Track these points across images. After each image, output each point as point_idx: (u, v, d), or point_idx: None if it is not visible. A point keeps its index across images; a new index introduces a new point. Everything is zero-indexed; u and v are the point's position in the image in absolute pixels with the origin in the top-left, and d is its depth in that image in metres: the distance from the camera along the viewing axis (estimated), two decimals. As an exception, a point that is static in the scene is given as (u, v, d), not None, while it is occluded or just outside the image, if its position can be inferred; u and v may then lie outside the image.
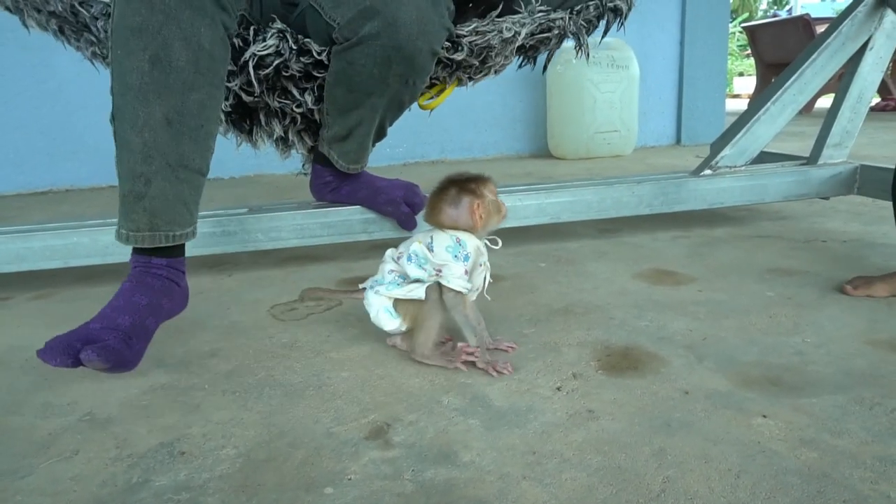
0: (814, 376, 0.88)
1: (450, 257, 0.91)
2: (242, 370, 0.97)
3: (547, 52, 1.36)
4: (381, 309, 0.95)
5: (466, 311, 0.93)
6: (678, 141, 3.77)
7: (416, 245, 0.93)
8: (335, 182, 1.37)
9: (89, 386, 0.94)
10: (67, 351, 0.85)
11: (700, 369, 0.91)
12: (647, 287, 1.27)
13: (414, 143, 3.37)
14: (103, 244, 1.32)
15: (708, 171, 1.58)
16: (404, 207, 1.36)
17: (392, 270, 0.96)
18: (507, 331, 1.08)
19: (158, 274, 0.98)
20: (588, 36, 1.35)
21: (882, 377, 0.87)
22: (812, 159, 1.65)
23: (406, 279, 0.94)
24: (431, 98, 1.37)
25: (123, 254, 1.32)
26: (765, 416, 0.78)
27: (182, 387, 0.92)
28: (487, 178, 0.95)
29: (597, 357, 0.96)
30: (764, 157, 1.73)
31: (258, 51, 1.14)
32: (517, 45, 1.26)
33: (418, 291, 0.92)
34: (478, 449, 0.74)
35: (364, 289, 0.98)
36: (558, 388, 0.87)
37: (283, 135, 1.32)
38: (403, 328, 0.96)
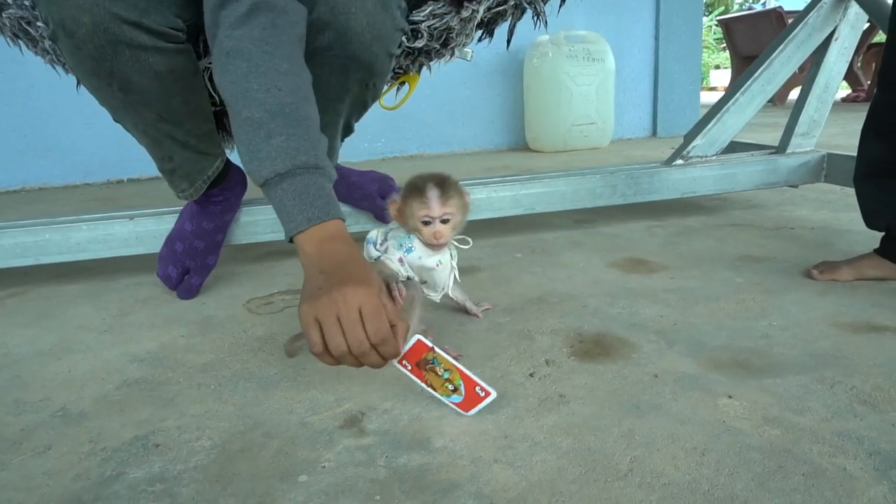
0: (779, 358, 0.91)
1: (395, 244, 0.94)
2: (217, 364, 0.97)
3: (509, 27, 1.32)
4: None
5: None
6: (654, 133, 3.81)
7: (372, 232, 0.97)
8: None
9: (62, 382, 0.93)
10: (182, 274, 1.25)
11: (670, 354, 0.93)
12: (620, 276, 1.29)
13: (392, 137, 3.37)
14: (75, 241, 1.30)
15: (680, 161, 1.60)
16: (379, 201, 1.37)
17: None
18: (483, 320, 1.09)
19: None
20: (545, 4, 1.31)
21: (844, 357, 0.90)
22: (781, 148, 1.68)
23: None
24: (396, 95, 1.36)
25: (95, 251, 1.31)
26: (730, 397, 0.80)
27: (156, 381, 0.92)
28: (426, 190, 0.91)
29: (569, 344, 0.98)
30: (734, 147, 1.76)
31: (208, 63, 1.13)
32: (476, 22, 1.24)
33: None
34: (451, 435, 0.75)
35: None
36: (531, 375, 0.89)
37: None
38: None
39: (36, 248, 1.30)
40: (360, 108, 1.21)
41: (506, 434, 0.74)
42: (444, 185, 0.91)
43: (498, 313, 1.12)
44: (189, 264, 1.27)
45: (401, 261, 0.93)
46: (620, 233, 1.61)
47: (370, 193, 1.38)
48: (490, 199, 1.48)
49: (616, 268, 1.34)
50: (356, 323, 0.69)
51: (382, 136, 3.36)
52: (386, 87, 1.29)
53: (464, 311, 1.10)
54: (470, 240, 0.98)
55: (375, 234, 0.96)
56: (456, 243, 0.98)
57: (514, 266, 1.39)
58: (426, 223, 0.91)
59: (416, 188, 0.92)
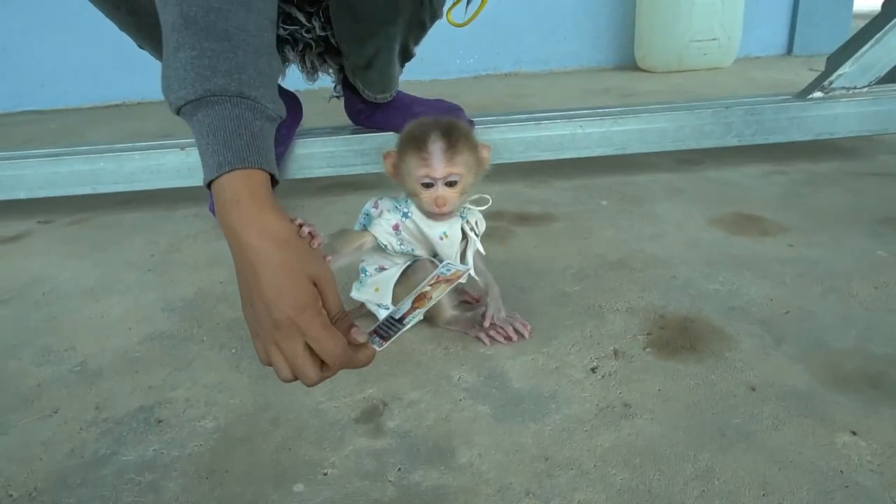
0: (928, 376, 0.69)
1: (391, 206, 0.76)
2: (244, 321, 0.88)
3: None
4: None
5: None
6: (789, 51, 3.28)
7: (367, 203, 0.80)
8: (367, 109, 1.23)
9: (91, 329, 0.89)
10: None
11: (776, 356, 0.74)
12: (724, 237, 1.07)
13: (486, 54, 3.12)
14: (129, 171, 1.25)
15: (818, 94, 1.30)
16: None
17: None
18: (548, 287, 0.93)
19: None
20: None
21: None
22: (959, 79, 1.32)
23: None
24: (467, 9, 1.16)
25: (148, 181, 1.26)
26: (854, 433, 0.61)
27: (180, 337, 0.85)
28: (427, 144, 0.71)
29: (647, 329, 0.81)
30: (894, 75, 1.41)
31: None
32: None
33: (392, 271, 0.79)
34: (480, 446, 0.62)
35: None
36: (593, 370, 0.73)
37: (298, 62, 1.17)
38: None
39: (93, 177, 1.27)
40: (418, 28, 1.03)
41: (547, 455, 0.60)
42: (452, 135, 0.71)
43: (567, 279, 0.95)
44: None
45: (396, 228, 0.75)
46: (731, 179, 1.35)
47: (435, 126, 1.22)
48: (574, 136, 1.27)
49: (720, 226, 1.12)
50: (304, 361, 0.53)
51: (475, 52, 3.11)
52: (452, 1, 1.10)
53: (476, 328, 0.80)
54: (489, 197, 0.78)
55: (370, 202, 0.79)
56: (473, 206, 0.78)
57: (597, 216, 1.19)
58: (427, 185, 0.72)
59: (414, 139, 0.72)
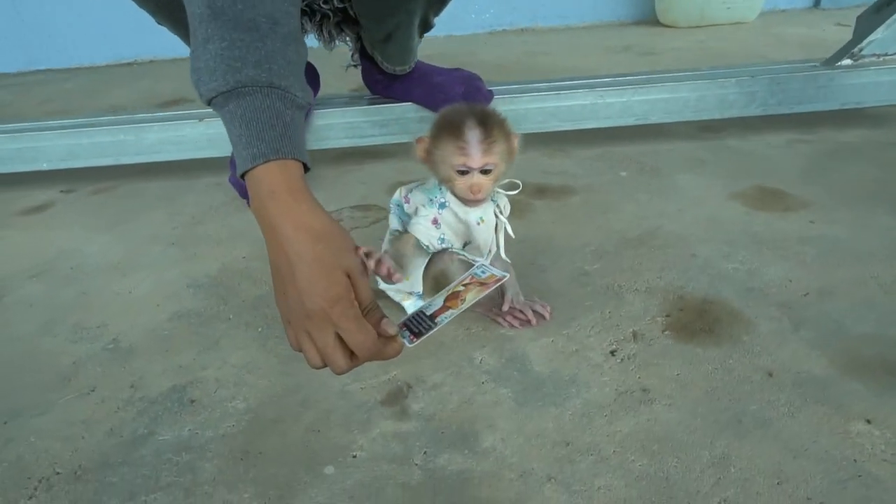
0: (946, 363, 0.70)
1: (425, 200, 0.75)
2: (269, 298, 0.90)
3: None
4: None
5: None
6: (817, 3, 3.16)
7: (396, 193, 0.79)
8: (386, 80, 1.22)
9: (121, 306, 0.92)
10: None
11: (794, 340, 0.75)
12: (745, 213, 1.06)
13: (501, 9, 3.03)
14: (149, 142, 1.26)
15: (847, 62, 1.26)
16: (465, 107, 1.19)
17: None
18: (567, 266, 0.94)
19: None
20: None
21: None
22: None
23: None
24: None
25: (168, 152, 1.27)
26: (868, 422, 0.62)
27: (207, 315, 0.88)
28: (464, 130, 0.70)
29: (666, 311, 0.81)
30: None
31: None
32: None
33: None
34: (503, 431, 0.64)
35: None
36: (612, 353, 0.75)
37: (315, 31, 1.15)
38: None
39: (114, 148, 1.28)
40: (439, 2, 1.01)
41: (568, 440, 0.62)
42: (488, 123, 0.70)
43: (586, 257, 0.96)
44: None
45: (435, 221, 0.75)
46: (754, 148, 1.33)
47: (454, 97, 1.21)
48: (595, 106, 1.25)
49: (741, 200, 1.11)
50: (334, 351, 0.55)
51: (491, 6, 3.03)
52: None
53: (495, 310, 0.82)
54: (519, 183, 0.78)
55: (399, 193, 0.79)
56: (501, 190, 0.78)
57: (616, 189, 1.19)
58: (462, 173, 0.72)
59: (451, 126, 0.71)
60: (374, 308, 0.58)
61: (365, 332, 0.55)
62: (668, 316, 0.80)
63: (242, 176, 0.57)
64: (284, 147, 0.56)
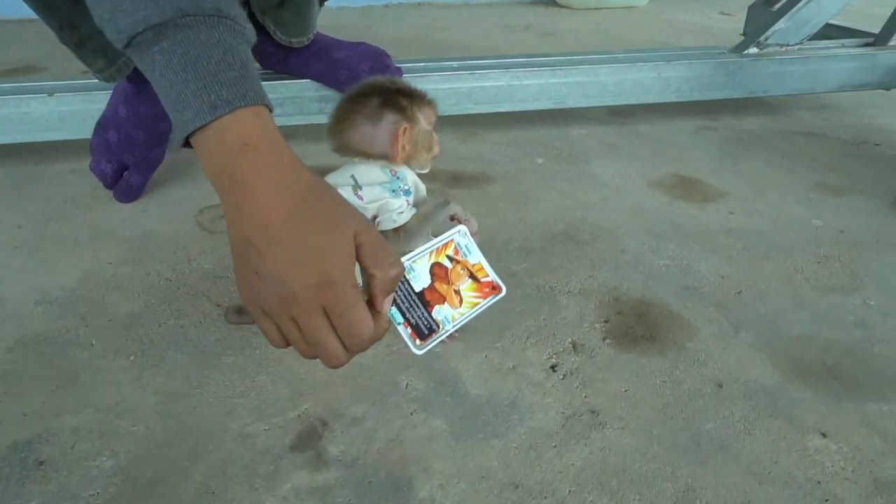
0: (882, 365, 0.68)
1: (386, 194, 0.64)
2: (146, 316, 0.74)
3: None
4: None
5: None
6: (702, -9, 3.29)
7: (342, 193, 0.67)
8: (280, 53, 1.06)
9: (-58, 333, 0.72)
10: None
11: (736, 345, 0.71)
12: (666, 203, 1.03)
13: (397, -20, 2.88)
14: None
15: (754, 50, 1.27)
16: (371, 86, 1.06)
17: None
18: (492, 265, 0.85)
19: None
20: None
21: (969, 368, 0.68)
22: (881, 39, 1.33)
23: None
24: None
25: (10, 133, 1.04)
26: (824, 435, 0.59)
27: (62, 340, 0.70)
28: (428, 98, 0.66)
29: (603, 315, 0.75)
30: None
31: None
32: None
33: None
34: (441, 474, 0.55)
35: None
36: (553, 368, 0.67)
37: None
38: None
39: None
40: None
41: (517, 480, 0.54)
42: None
43: (511, 255, 0.88)
44: (127, 159, 1.00)
45: (407, 204, 0.65)
46: (665, 136, 1.31)
47: (359, 74, 1.07)
48: (511, 87, 1.17)
49: (661, 189, 1.08)
50: (321, 332, 0.43)
51: (386, -23, 2.87)
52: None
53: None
54: (429, 165, 0.70)
55: (352, 191, 0.66)
56: None
57: (534, 177, 1.12)
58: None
59: (418, 96, 0.65)
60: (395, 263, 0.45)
61: (365, 319, 0.43)
62: (606, 321, 0.74)
63: (189, 137, 0.44)
64: (251, 90, 0.43)
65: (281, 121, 1.13)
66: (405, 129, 0.62)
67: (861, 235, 0.94)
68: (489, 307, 0.54)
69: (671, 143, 1.28)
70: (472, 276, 0.54)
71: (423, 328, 0.50)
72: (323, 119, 1.12)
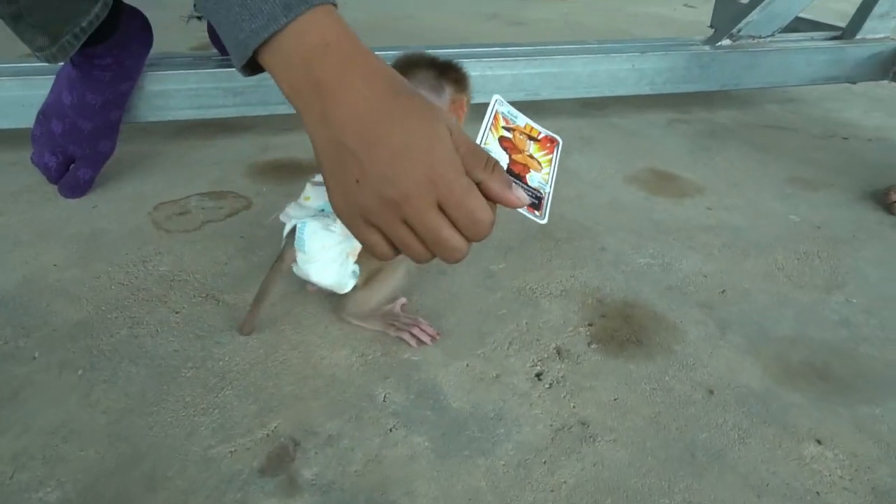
0: (868, 365, 0.67)
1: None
2: (96, 324, 0.68)
3: None
4: (333, 265, 0.64)
5: None
6: (666, -17, 3.30)
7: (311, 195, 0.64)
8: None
9: None
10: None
11: (724, 347, 0.69)
12: (644, 199, 1.01)
13: (360, -35, 2.80)
14: None
15: (727, 42, 1.25)
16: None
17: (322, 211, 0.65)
18: (470, 266, 0.81)
19: None
20: None
21: (953, 368, 0.67)
22: (848, 32, 1.34)
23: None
24: None
25: None
26: (819, 442, 0.57)
27: (0, 351, 0.64)
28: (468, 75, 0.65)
29: (587, 319, 0.72)
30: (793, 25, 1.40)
31: None
32: None
33: None
34: (426, 498, 0.51)
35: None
36: (538, 377, 0.64)
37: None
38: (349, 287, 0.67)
39: None
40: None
41: (506, 502, 0.50)
42: None
43: (489, 254, 0.84)
44: (73, 151, 0.92)
45: None
46: (638, 128, 1.29)
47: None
48: (484, 78, 1.13)
49: (637, 184, 1.06)
50: (442, 227, 0.40)
51: (348, -38, 2.79)
52: None
53: (393, 321, 0.71)
54: None
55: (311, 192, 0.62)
56: None
57: (509, 172, 1.08)
58: None
59: (458, 70, 0.64)
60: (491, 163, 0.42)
61: (484, 204, 0.40)
62: (590, 325, 0.71)
63: (253, 59, 0.41)
64: None
65: (241, 111, 1.06)
66: (466, 100, 0.63)
67: (837, 231, 0.93)
68: (559, 160, 0.51)
69: (645, 135, 1.26)
70: (531, 138, 0.51)
71: (533, 199, 0.46)
72: (286, 109, 1.07)
